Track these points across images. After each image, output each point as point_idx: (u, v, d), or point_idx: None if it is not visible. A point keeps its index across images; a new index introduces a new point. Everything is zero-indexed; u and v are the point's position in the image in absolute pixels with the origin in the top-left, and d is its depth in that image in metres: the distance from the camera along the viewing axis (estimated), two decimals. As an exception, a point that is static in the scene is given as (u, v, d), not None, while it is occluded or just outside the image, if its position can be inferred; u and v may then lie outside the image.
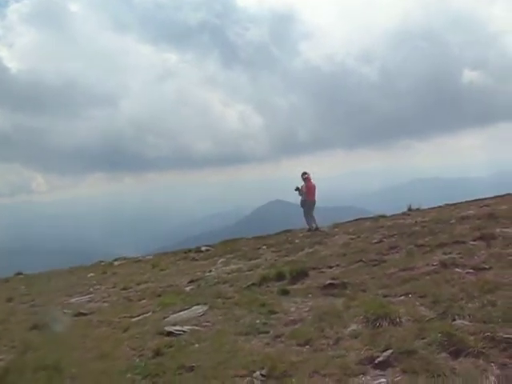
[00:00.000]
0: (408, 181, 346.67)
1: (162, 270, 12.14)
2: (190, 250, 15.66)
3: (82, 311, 7.99)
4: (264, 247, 12.60)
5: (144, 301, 8.54)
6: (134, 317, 6.95)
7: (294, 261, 9.51)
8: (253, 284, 7.85)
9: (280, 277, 7.90)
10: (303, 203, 14.95)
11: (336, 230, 13.90)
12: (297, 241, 12.64)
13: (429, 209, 18.37)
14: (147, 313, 7.00)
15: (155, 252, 19.47)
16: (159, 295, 8.79)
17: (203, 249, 15.10)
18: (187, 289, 8.74)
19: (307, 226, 14.87)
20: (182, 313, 6.62)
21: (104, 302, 9.03)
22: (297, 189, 14.96)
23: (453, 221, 10.44)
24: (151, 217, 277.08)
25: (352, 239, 10.93)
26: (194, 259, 13.57)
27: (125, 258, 17.36)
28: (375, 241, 9.94)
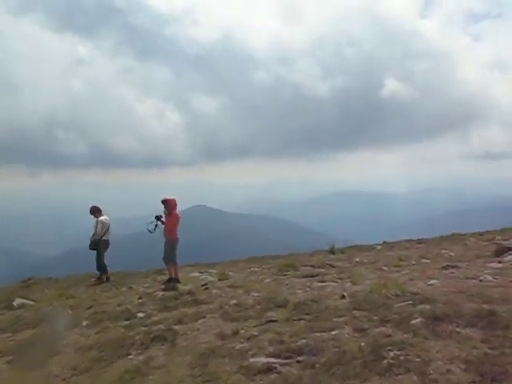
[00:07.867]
0: (330, 193, 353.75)
1: None
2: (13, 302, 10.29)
3: None
4: (84, 324, 7.87)
5: None
6: None
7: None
8: None
9: None
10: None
11: (210, 294, 9.56)
12: (140, 314, 7.90)
13: (358, 251, 14.61)
14: None
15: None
16: None
17: (16, 304, 9.99)
18: None
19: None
20: None
21: None
22: (158, 217, 10.91)
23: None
24: (71, 215, 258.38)
25: (217, 347, 5.48)
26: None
27: None
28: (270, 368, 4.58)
